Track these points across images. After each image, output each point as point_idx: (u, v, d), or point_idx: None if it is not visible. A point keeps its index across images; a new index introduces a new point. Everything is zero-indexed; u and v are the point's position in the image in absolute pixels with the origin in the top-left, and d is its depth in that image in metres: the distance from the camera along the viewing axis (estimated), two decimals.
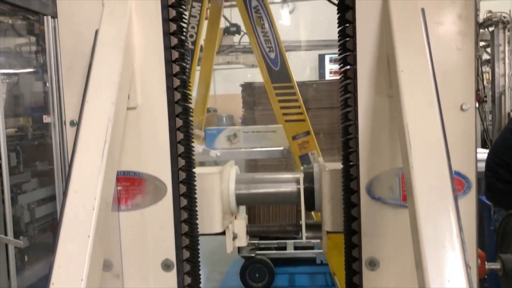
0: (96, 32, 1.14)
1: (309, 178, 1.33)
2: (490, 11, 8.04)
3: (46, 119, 4.70)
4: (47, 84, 4.87)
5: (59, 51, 4.93)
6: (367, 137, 1.15)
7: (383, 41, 1.12)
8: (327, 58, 12.55)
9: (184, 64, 1.25)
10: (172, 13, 1.21)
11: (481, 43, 8.50)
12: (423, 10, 1.07)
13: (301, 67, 13.21)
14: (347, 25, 1.17)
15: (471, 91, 1.13)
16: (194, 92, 4.21)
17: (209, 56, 4.10)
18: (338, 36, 1.21)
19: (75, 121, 1.16)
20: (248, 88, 5.00)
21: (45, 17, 4.71)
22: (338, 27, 1.21)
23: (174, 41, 1.22)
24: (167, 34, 1.20)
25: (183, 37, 1.25)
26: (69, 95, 1.21)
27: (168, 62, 1.21)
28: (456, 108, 1.12)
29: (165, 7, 1.20)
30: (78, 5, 1.19)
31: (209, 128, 4.01)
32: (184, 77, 1.25)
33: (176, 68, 1.23)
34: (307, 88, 4.78)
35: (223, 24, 8.51)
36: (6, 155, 3.87)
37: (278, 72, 2.99)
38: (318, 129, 4.50)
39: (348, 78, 1.19)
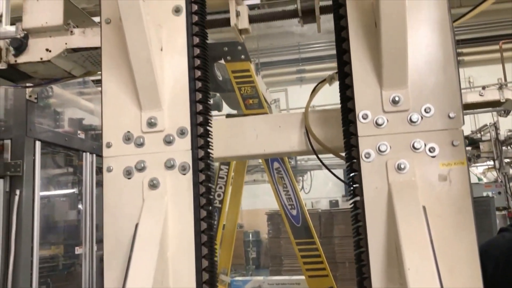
0: (136, 226, 1.30)
1: None
2: (510, 130, 8.23)
3: (78, 250, 4.85)
4: (81, 214, 5.11)
5: (94, 184, 5.25)
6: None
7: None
8: None
9: (211, 222, 1.39)
10: (202, 189, 1.38)
11: (506, 160, 8.58)
12: (424, 208, 1.20)
13: (323, 182, 13.38)
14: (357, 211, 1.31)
15: None
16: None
17: (235, 204, 4.32)
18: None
19: None
20: (273, 217, 5.11)
21: (83, 153, 5.10)
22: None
23: (203, 201, 1.37)
24: (197, 207, 1.35)
25: (210, 197, 1.41)
26: (110, 278, 1.34)
27: (197, 220, 1.34)
28: None
29: (196, 184, 1.36)
30: (121, 201, 1.37)
31: (235, 279, 4.06)
32: (211, 233, 1.37)
33: (204, 225, 1.36)
34: (332, 216, 4.86)
35: None
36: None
37: (299, 228, 3.14)
38: (343, 257, 4.49)
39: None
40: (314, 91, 1.63)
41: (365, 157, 1.29)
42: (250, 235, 13.31)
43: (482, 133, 9.47)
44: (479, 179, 12.14)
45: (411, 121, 1.27)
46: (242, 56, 3.07)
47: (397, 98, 1.27)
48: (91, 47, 3.28)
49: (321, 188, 13.53)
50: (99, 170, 5.61)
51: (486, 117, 10.35)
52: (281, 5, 1.97)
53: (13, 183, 4.14)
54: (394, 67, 1.27)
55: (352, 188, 1.33)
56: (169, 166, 1.37)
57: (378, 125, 1.28)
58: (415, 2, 1.32)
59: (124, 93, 1.40)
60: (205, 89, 1.46)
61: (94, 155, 5.26)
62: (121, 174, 1.38)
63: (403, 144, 1.27)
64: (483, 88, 5.55)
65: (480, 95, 5.40)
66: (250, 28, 1.77)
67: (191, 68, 1.44)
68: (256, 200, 12.75)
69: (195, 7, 1.43)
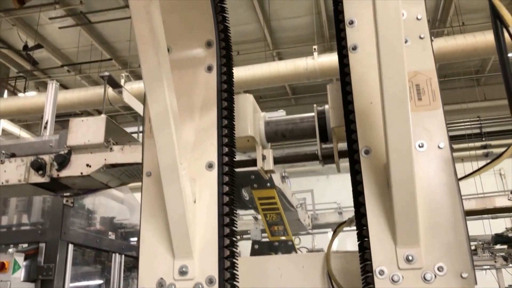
0: None
1: None
2: None
3: None
4: None
5: (122, 284, 5.29)
6: None
7: None
8: None
9: None
10: None
11: None
12: None
13: None
14: None
15: None
16: None
17: None
18: None
19: None
20: None
21: (113, 254, 5.21)
22: None
23: None
24: None
25: None
26: None
27: None
28: None
29: None
30: None
31: None
32: None
33: None
34: None
35: None
36: None
37: None
38: None
39: None
40: (335, 234, 1.73)
41: None
42: None
43: None
44: None
45: (425, 279, 1.35)
46: (268, 184, 3.25)
47: (410, 257, 1.36)
48: (128, 163, 3.52)
49: None
50: (127, 270, 5.68)
51: None
52: (301, 141, 2.14)
53: (43, 287, 4.24)
54: (406, 226, 1.38)
55: None
56: None
57: (394, 281, 1.36)
58: (425, 167, 1.45)
59: (160, 242, 1.54)
60: (232, 234, 1.59)
61: (123, 255, 5.37)
62: None
63: None
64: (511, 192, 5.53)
65: (509, 199, 5.37)
66: (274, 168, 1.93)
67: (220, 215, 1.58)
68: None
69: (226, 168, 1.61)
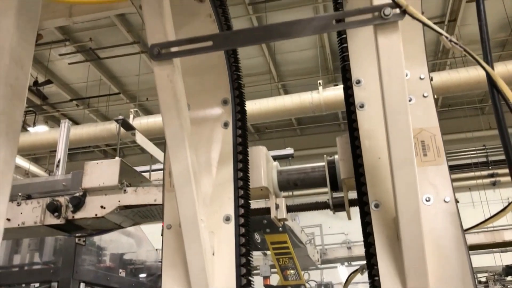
0: None
1: None
2: None
3: None
4: None
5: None
6: None
7: None
8: None
9: None
10: None
11: None
12: None
13: None
14: None
15: None
16: None
17: None
18: None
19: None
20: None
21: None
22: None
23: None
24: None
25: None
26: None
27: None
28: None
29: None
30: None
31: None
32: None
33: None
34: None
35: None
36: None
37: None
38: None
39: None
40: (347, 282, 1.79)
41: None
42: None
43: None
44: None
45: None
46: (280, 229, 3.32)
47: None
48: (142, 205, 3.61)
49: None
50: None
51: None
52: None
53: None
54: (416, 277, 1.45)
55: None
56: None
57: None
58: (432, 221, 1.53)
59: None
60: (249, 284, 1.66)
61: None
62: None
63: None
64: None
65: None
66: (287, 216, 2.01)
67: (238, 266, 1.65)
68: None
69: (242, 220, 1.69)
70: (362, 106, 1.72)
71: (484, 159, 13.94)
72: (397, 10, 1.29)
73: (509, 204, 1.52)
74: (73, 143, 10.97)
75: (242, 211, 1.75)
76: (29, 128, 13.71)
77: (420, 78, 1.71)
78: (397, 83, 1.40)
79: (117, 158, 3.62)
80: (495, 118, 1.22)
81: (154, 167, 5.61)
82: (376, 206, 1.59)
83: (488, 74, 1.23)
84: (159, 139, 13.49)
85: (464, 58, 11.95)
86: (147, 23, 1.45)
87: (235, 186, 1.76)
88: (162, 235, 1.72)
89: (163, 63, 1.44)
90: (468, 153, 14.06)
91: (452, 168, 13.33)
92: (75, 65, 13.02)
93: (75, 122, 15.63)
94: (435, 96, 1.69)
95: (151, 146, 5.38)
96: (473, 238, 7.14)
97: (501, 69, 8.89)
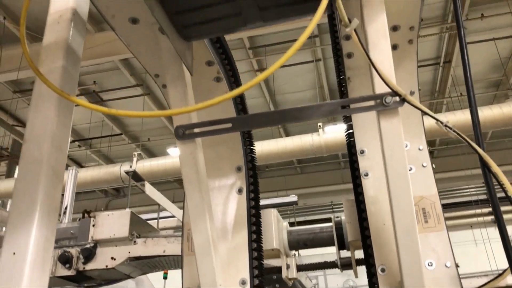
0: None
1: None
2: None
3: None
4: None
5: None
6: None
7: None
8: None
9: None
10: None
11: None
12: None
13: None
14: None
15: None
16: None
17: None
18: None
19: None
20: None
21: None
22: None
23: None
24: None
25: None
26: None
27: None
28: None
29: None
30: None
31: None
32: None
33: None
34: None
35: None
36: None
37: None
38: None
39: None
40: None
41: None
42: None
43: None
44: None
45: None
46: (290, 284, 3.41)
47: None
48: (151, 256, 3.71)
49: None
50: None
51: None
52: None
53: None
54: None
55: None
56: None
57: None
58: (435, 285, 1.65)
59: None
60: None
61: None
62: None
63: None
64: None
65: None
66: (298, 275, 2.12)
67: None
68: None
69: (256, 281, 1.81)
70: (366, 175, 1.87)
71: (484, 197, 14.00)
72: (397, 98, 1.45)
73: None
74: (77, 186, 11.07)
75: (256, 272, 1.86)
76: None
77: (419, 149, 1.86)
78: (398, 160, 1.55)
79: (128, 210, 3.73)
80: (488, 196, 1.36)
81: (161, 214, 5.72)
82: (383, 270, 1.71)
83: (480, 156, 1.37)
84: (161, 182, 13.62)
85: (460, 98, 12.23)
86: (173, 106, 1.61)
87: (250, 248, 1.88)
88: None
89: (187, 142, 1.59)
90: (468, 190, 14.14)
91: (453, 206, 13.44)
92: (79, 107, 13.21)
93: (77, 163, 15.79)
94: (433, 166, 1.83)
95: (159, 196, 5.50)
96: (476, 282, 7.11)
97: (496, 112, 9.13)
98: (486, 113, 9.13)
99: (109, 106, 13.49)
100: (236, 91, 1.17)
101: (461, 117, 9.17)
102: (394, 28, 1.70)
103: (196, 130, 1.58)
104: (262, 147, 10.13)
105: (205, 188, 1.64)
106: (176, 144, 1.63)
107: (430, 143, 14.83)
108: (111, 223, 3.66)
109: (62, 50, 1.54)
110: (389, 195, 1.59)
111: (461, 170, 14.26)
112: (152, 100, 12.65)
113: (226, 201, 1.96)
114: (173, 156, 11.06)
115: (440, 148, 15.36)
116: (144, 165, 10.24)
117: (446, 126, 1.42)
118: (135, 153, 10.76)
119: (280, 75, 11.94)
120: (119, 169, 10.61)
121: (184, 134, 1.58)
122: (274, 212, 2.10)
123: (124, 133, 14.55)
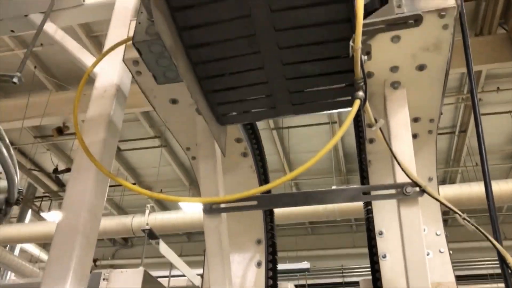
0: None
1: None
2: None
3: None
4: None
5: None
6: None
7: None
8: None
9: None
10: None
11: None
12: None
13: None
14: None
15: None
16: None
17: None
18: None
19: None
20: None
21: None
22: None
23: None
24: None
25: None
26: None
27: None
28: None
29: None
30: None
31: None
32: None
33: None
34: None
35: None
36: None
37: None
38: None
39: None
40: None
41: None
42: None
43: None
44: None
45: None
46: None
47: None
48: None
49: None
50: None
51: None
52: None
53: None
54: None
55: None
56: None
57: None
58: None
59: None
60: None
61: None
62: None
63: None
64: None
65: None
66: None
67: None
68: None
69: None
70: (384, 256, 1.90)
71: (499, 271, 13.56)
72: (417, 189, 1.52)
73: None
74: None
75: None
76: (42, 214, 13.91)
77: (437, 234, 1.91)
78: (417, 247, 1.60)
79: (141, 268, 3.75)
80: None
81: (173, 272, 5.67)
82: None
83: (498, 251, 1.42)
84: (170, 234, 13.54)
85: (475, 168, 12.20)
86: (202, 182, 1.70)
87: None
88: None
89: (213, 216, 1.67)
90: (483, 263, 13.77)
91: (467, 278, 13.02)
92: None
93: None
94: (451, 252, 1.87)
95: (172, 255, 5.48)
96: None
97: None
98: (503, 186, 9.07)
99: (124, 155, 13.71)
100: (266, 187, 1.25)
101: (476, 189, 9.12)
102: (415, 120, 1.80)
103: (223, 205, 1.66)
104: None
105: (227, 261, 1.70)
106: (203, 218, 1.70)
107: (444, 212, 14.63)
108: (124, 280, 3.67)
109: (104, 123, 1.66)
110: (407, 279, 1.62)
111: (476, 241, 13.95)
112: (168, 152, 12.84)
113: (245, 274, 2.00)
114: (185, 210, 11.07)
115: (454, 216, 15.13)
116: (156, 218, 10.26)
117: (464, 219, 1.47)
118: (148, 205, 10.81)
119: (296, 134, 12.12)
120: (131, 221, 10.63)
121: (211, 208, 1.66)
122: (289, 285, 2.13)
123: (138, 183, 14.66)
